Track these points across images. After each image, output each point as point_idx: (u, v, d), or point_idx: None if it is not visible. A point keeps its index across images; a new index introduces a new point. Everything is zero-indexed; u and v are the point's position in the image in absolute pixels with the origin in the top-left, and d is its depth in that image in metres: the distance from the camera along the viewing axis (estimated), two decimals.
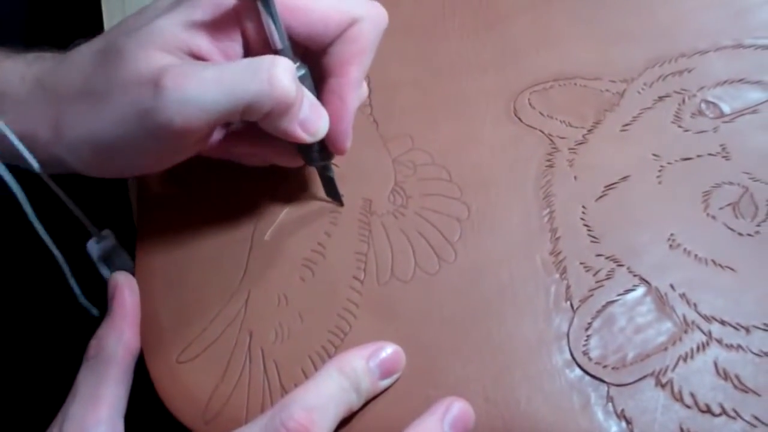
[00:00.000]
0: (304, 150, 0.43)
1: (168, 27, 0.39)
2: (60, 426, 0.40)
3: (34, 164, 0.41)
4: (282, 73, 0.37)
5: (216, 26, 0.39)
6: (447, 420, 0.37)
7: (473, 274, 0.42)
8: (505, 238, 0.43)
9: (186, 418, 0.41)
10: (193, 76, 0.37)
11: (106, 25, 0.56)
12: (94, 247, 0.46)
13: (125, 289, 0.43)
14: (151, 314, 0.44)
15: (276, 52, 0.39)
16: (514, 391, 0.39)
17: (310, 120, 0.40)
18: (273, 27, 0.38)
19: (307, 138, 0.40)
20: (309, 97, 0.40)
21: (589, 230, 0.43)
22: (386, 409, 0.39)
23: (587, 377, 0.39)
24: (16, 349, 0.56)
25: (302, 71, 0.40)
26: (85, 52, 0.42)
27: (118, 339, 0.42)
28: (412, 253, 0.44)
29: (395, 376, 0.40)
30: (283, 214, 0.46)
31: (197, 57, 0.39)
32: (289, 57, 0.39)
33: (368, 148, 0.48)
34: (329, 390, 0.37)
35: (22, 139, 0.41)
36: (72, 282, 0.45)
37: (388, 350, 0.40)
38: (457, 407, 0.38)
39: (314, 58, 0.41)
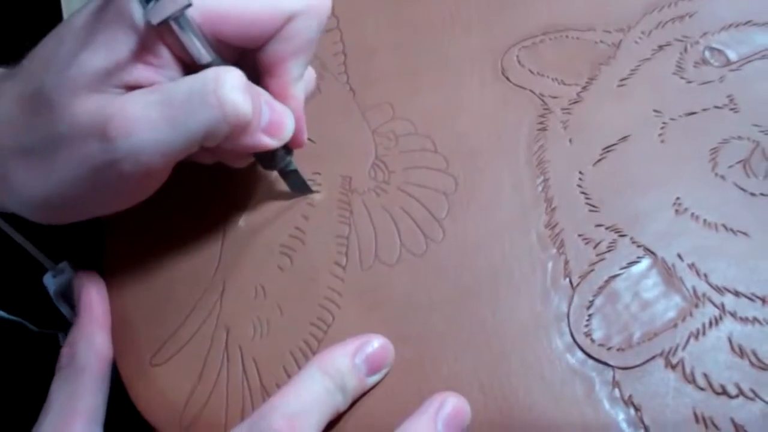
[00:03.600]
0: (263, 156, 0.39)
1: (94, 63, 0.35)
2: None
3: None
4: (231, 93, 0.34)
5: (143, 50, 0.35)
6: (441, 418, 0.34)
7: (463, 253, 0.39)
8: (496, 212, 0.40)
9: (162, 424, 0.38)
10: (139, 118, 0.34)
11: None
12: (50, 282, 0.43)
13: (92, 290, 0.41)
14: (121, 315, 0.41)
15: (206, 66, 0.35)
16: (511, 380, 0.36)
17: (274, 123, 0.37)
18: (196, 43, 0.34)
19: (274, 144, 0.37)
20: (266, 97, 0.37)
21: (587, 198, 0.39)
22: (375, 408, 0.36)
23: (590, 361, 0.36)
24: None
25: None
26: (10, 97, 0.38)
27: (89, 346, 0.39)
28: (397, 234, 0.40)
29: (384, 372, 0.37)
30: (256, 198, 0.43)
31: (134, 88, 0.35)
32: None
33: (345, 120, 0.44)
34: (312, 393, 0.35)
35: None
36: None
37: (375, 344, 0.37)
38: (450, 403, 0.35)
39: (251, 56, 0.38)
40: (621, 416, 0.34)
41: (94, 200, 0.38)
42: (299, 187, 0.41)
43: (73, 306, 0.42)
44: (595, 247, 0.38)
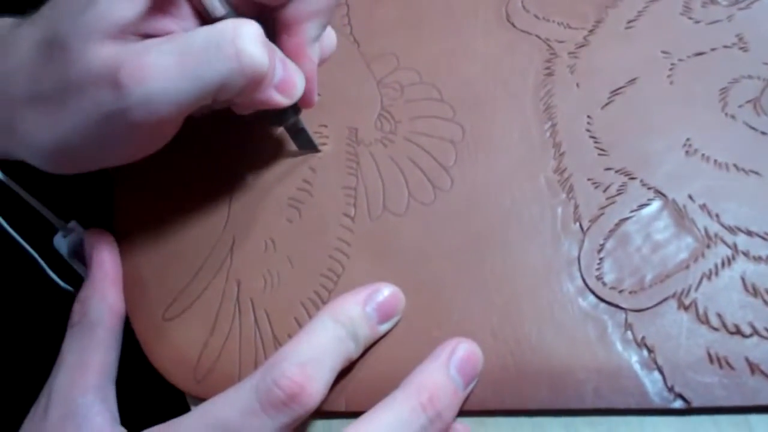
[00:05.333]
0: (272, 113, 0.39)
1: (112, 10, 0.34)
2: (47, 398, 0.38)
3: None
4: (249, 45, 0.33)
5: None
6: (453, 363, 0.34)
7: (472, 200, 0.39)
8: (504, 159, 0.40)
9: (176, 378, 0.38)
10: (153, 66, 0.33)
11: None
12: (61, 243, 0.43)
13: (103, 247, 0.41)
14: (132, 271, 0.41)
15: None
16: (523, 325, 0.36)
17: (286, 81, 0.36)
18: None
19: (285, 101, 0.37)
20: (279, 55, 0.36)
21: (596, 142, 0.39)
22: (388, 355, 0.36)
23: (602, 304, 0.36)
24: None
25: None
26: (24, 44, 0.37)
27: (102, 301, 0.39)
28: (405, 183, 0.40)
29: (395, 319, 0.37)
30: (263, 152, 0.42)
31: (149, 37, 0.35)
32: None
33: (350, 72, 0.44)
34: (324, 341, 0.35)
35: None
36: (51, 273, 0.42)
37: (385, 292, 0.37)
38: (463, 348, 0.35)
39: (269, 14, 0.37)
40: (634, 358, 0.34)
41: (104, 150, 0.38)
42: (306, 145, 0.41)
43: (86, 264, 0.42)
44: (604, 191, 0.38)
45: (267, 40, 0.35)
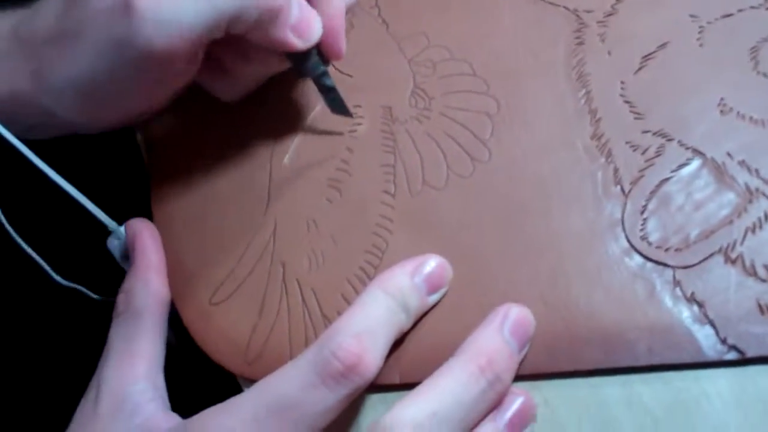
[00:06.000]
0: (296, 60, 0.39)
1: None
2: (97, 389, 0.38)
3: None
4: None
5: None
6: (506, 327, 0.35)
7: (511, 171, 0.39)
8: (541, 128, 0.40)
9: (227, 361, 0.39)
10: None
11: None
12: (114, 245, 0.42)
13: (145, 236, 0.41)
14: (176, 260, 0.41)
15: None
16: (570, 290, 0.36)
17: (302, 23, 0.37)
18: None
19: (300, 44, 0.37)
20: None
21: (631, 107, 0.39)
22: (438, 326, 0.37)
23: (649, 263, 0.36)
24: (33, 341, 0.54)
25: None
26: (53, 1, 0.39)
27: (146, 289, 0.39)
28: (443, 157, 0.40)
29: (443, 290, 0.37)
30: (299, 135, 0.43)
31: None
32: None
33: (381, 52, 0.44)
34: (376, 312, 0.35)
35: (7, 96, 0.38)
36: (51, 272, 0.42)
37: (432, 263, 0.37)
38: (515, 312, 0.35)
39: None
40: (685, 314, 0.35)
41: (120, 85, 0.38)
42: (339, 107, 0.41)
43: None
44: (643, 153, 0.38)
45: None
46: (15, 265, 0.42)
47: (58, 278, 0.42)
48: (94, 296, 0.43)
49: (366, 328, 0.34)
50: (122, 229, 0.42)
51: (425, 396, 0.32)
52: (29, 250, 0.40)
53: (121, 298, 0.40)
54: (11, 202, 0.40)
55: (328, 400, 0.33)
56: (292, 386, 0.33)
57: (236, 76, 0.40)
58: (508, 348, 0.34)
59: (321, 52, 0.39)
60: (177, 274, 0.41)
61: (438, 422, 0.32)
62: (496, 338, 0.34)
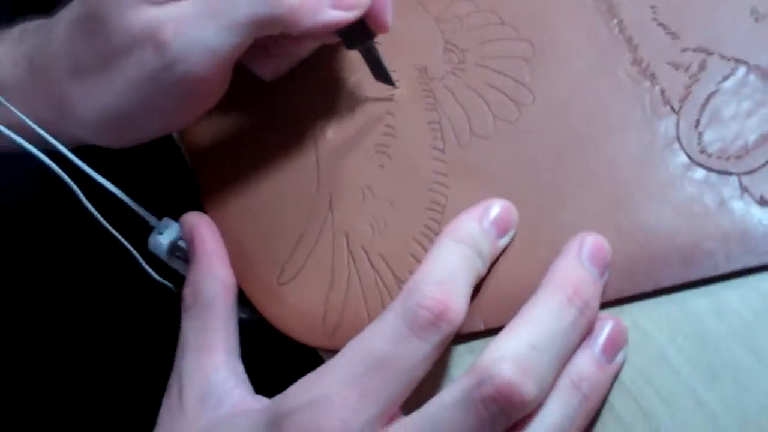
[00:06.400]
0: (343, 32, 0.39)
1: None
2: (179, 383, 0.38)
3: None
4: None
5: None
6: (584, 255, 0.35)
7: (556, 109, 0.39)
8: (579, 63, 0.40)
9: (307, 337, 0.39)
10: (188, 19, 0.35)
11: None
12: (158, 241, 0.42)
13: (202, 227, 0.41)
14: (235, 247, 0.41)
15: None
16: (639, 212, 0.36)
17: None
18: None
19: (348, 16, 0.37)
20: None
21: (665, 29, 0.40)
22: (514, 267, 0.37)
23: (713, 174, 0.36)
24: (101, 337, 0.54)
25: None
26: (64, 25, 0.39)
27: (213, 279, 0.39)
28: (486, 106, 0.40)
29: (512, 233, 0.37)
30: (339, 108, 0.43)
31: None
32: None
33: (405, 14, 0.44)
34: (452, 261, 0.35)
35: (25, 124, 0.38)
36: (146, 267, 0.42)
37: (497, 207, 0.37)
38: (590, 240, 0.35)
39: None
40: (758, 217, 0.35)
41: (154, 113, 0.39)
42: (382, 76, 0.41)
43: (187, 260, 0.42)
44: (686, 71, 0.38)
45: None
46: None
47: (153, 274, 0.42)
48: (160, 279, 0.43)
49: (446, 276, 0.34)
50: (164, 222, 0.42)
51: (520, 330, 0.32)
52: (129, 247, 0.41)
53: (188, 291, 0.40)
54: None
55: (421, 350, 0.32)
56: (384, 342, 0.33)
57: (282, 56, 0.40)
58: (590, 275, 0.34)
59: (366, 26, 0.38)
60: (239, 260, 0.40)
61: (537, 354, 0.31)
62: (576, 267, 0.34)
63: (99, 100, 0.38)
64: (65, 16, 0.40)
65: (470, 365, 0.32)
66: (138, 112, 0.38)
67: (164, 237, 0.42)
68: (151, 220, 0.41)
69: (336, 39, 0.39)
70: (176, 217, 0.42)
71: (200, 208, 0.43)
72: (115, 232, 0.40)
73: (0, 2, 0.53)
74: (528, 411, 0.31)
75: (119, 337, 0.51)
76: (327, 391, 0.32)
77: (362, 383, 0.32)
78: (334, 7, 0.37)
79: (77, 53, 0.38)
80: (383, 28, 0.39)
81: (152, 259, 0.42)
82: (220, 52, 0.36)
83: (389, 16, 0.39)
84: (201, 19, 0.35)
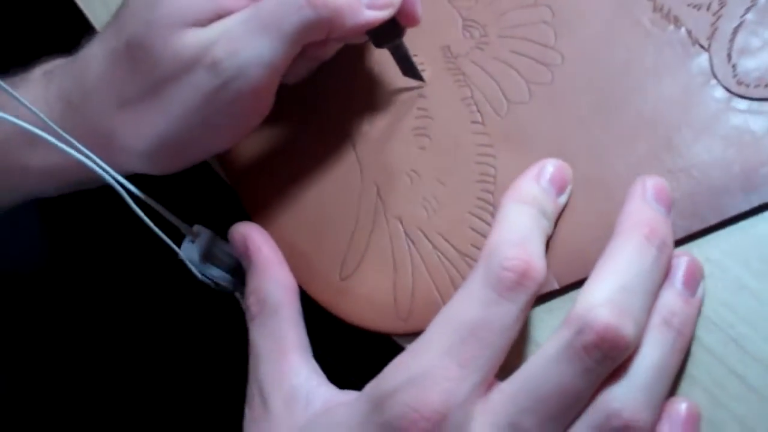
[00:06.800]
0: (372, 31, 0.39)
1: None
2: (260, 392, 0.38)
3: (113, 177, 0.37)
4: None
5: None
6: (649, 196, 0.35)
7: (589, 65, 0.40)
8: (601, 19, 0.41)
9: (381, 325, 0.39)
10: (240, 36, 0.35)
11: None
12: (191, 249, 0.41)
13: (254, 235, 0.40)
14: (290, 250, 0.41)
15: None
16: (690, 150, 0.37)
17: None
18: None
19: (383, 15, 0.37)
20: None
21: None
22: (578, 223, 0.37)
23: (755, 102, 0.37)
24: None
25: None
26: (101, 57, 0.39)
27: (275, 283, 0.39)
28: (518, 74, 0.41)
29: (569, 189, 0.38)
30: (370, 99, 0.43)
31: (226, 14, 0.37)
32: None
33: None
34: (522, 222, 0.35)
35: (68, 164, 0.38)
36: (190, 265, 0.41)
37: (550, 166, 0.37)
38: (651, 181, 0.35)
39: None
40: None
41: (209, 135, 0.39)
42: (410, 72, 0.41)
43: (222, 266, 0.41)
44: (708, 9, 0.39)
45: None
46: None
47: (196, 272, 0.41)
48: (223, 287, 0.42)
49: (521, 236, 0.34)
50: (195, 229, 0.41)
51: (607, 275, 0.32)
52: (174, 247, 0.40)
53: (251, 300, 0.39)
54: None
55: (512, 311, 0.33)
56: (474, 308, 0.33)
57: (305, 59, 0.40)
58: (659, 214, 0.35)
59: (395, 22, 0.39)
60: (297, 263, 0.40)
61: (628, 295, 0.32)
62: (645, 208, 0.35)
63: (152, 129, 0.38)
64: (97, 50, 0.39)
65: (565, 319, 0.32)
66: (193, 135, 0.38)
67: (197, 245, 0.41)
68: (184, 228, 0.41)
69: (364, 39, 0.40)
70: (205, 225, 0.42)
71: (229, 214, 0.43)
72: (162, 234, 0.39)
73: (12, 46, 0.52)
74: (630, 351, 0.31)
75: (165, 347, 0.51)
76: (426, 365, 0.32)
77: (459, 352, 0.32)
78: (370, 7, 0.37)
79: (121, 85, 0.38)
80: (415, 21, 0.39)
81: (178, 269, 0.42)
82: (274, 63, 0.36)
83: (419, 8, 0.39)
84: (251, 35, 0.35)
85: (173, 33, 0.36)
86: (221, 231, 0.42)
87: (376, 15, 0.37)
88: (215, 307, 0.44)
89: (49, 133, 0.36)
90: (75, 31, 0.48)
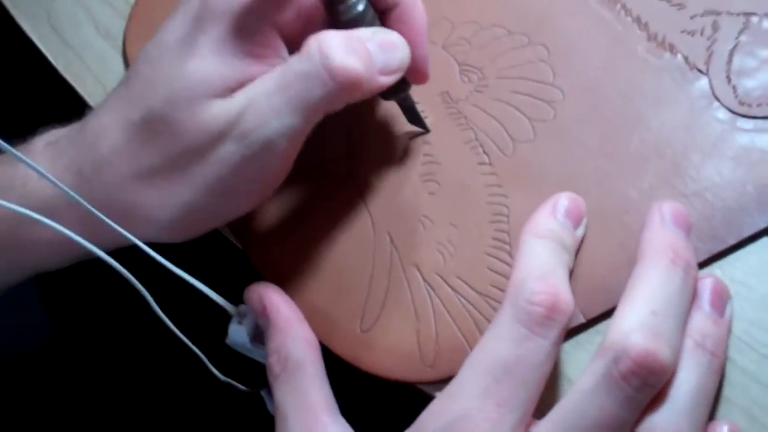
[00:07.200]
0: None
1: (206, 70, 0.36)
2: None
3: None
4: (338, 59, 0.35)
5: (249, 45, 0.36)
6: (668, 220, 0.35)
7: (590, 99, 0.40)
8: (597, 52, 0.41)
9: (407, 374, 0.38)
10: (267, 109, 0.35)
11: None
12: (239, 330, 0.40)
13: (271, 294, 0.40)
14: (309, 308, 0.40)
15: None
16: (700, 173, 0.37)
17: (390, 60, 0.37)
18: None
19: (393, 80, 0.37)
20: (376, 35, 0.37)
21: (668, 3, 0.41)
22: (597, 254, 0.37)
23: (758, 120, 0.37)
24: None
25: (360, 7, 0.37)
26: (113, 128, 0.38)
27: (297, 341, 0.38)
28: (520, 113, 0.41)
29: (584, 222, 0.37)
30: (376, 151, 0.43)
31: (248, 81, 0.36)
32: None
33: None
34: (543, 256, 0.35)
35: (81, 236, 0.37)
36: (212, 368, 0.41)
37: (564, 199, 0.37)
38: (667, 206, 0.36)
39: None
40: None
41: (231, 201, 0.39)
42: (416, 121, 0.42)
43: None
44: (702, 34, 0.40)
45: (352, 37, 0.36)
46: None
47: (216, 373, 0.40)
48: (244, 389, 0.42)
49: (545, 270, 0.34)
50: (241, 309, 0.40)
51: (636, 301, 0.32)
52: (194, 348, 0.39)
53: (273, 359, 0.38)
54: None
55: (544, 346, 0.32)
56: (505, 346, 0.32)
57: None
58: (680, 237, 0.34)
59: (404, 78, 0.39)
60: (315, 319, 0.39)
61: (661, 319, 0.32)
62: (665, 232, 0.35)
63: (177, 199, 0.37)
64: (107, 121, 0.38)
65: (600, 349, 0.31)
66: (216, 203, 0.38)
67: (245, 325, 0.40)
68: (230, 308, 0.40)
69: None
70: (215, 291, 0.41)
71: (239, 277, 0.42)
72: (181, 335, 0.38)
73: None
74: (668, 376, 0.31)
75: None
76: (463, 408, 0.32)
77: (496, 392, 0.32)
78: (383, 73, 0.37)
79: (139, 157, 0.37)
80: (424, 79, 0.40)
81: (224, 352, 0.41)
82: (301, 132, 0.36)
83: (427, 66, 0.40)
84: (278, 107, 0.35)
85: (198, 106, 0.36)
86: (232, 296, 0.41)
87: (389, 80, 0.37)
88: (228, 396, 0.43)
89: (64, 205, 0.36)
90: (63, 101, 0.48)
